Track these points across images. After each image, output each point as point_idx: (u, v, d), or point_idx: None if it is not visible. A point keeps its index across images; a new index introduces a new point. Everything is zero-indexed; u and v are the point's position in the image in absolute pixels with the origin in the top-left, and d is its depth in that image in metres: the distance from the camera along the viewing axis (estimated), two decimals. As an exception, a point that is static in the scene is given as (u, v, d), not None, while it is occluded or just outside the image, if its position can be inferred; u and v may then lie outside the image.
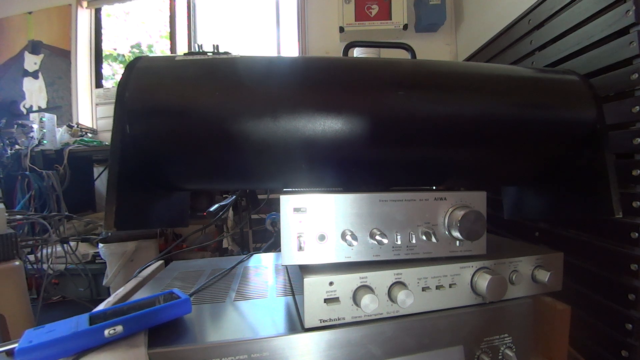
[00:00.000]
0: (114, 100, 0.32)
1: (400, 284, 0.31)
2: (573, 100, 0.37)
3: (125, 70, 0.33)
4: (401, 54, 0.41)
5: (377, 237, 0.31)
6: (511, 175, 0.41)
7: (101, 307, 0.37)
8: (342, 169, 0.35)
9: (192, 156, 0.34)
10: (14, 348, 0.26)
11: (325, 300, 0.30)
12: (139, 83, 0.32)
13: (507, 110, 0.35)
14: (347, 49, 0.41)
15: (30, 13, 2.04)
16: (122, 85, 0.32)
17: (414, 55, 0.43)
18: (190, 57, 0.34)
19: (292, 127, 0.31)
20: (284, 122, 0.31)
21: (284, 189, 0.38)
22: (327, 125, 0.32)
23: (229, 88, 0.32)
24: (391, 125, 0.33)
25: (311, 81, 0.33)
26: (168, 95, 0.32)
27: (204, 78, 0.33)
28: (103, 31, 2.12)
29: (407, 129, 0.33)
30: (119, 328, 0.28)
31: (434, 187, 0.41)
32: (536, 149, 0.37)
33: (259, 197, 0.94)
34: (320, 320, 0.30)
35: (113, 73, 2.14)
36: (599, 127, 0.36)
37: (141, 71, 0.33)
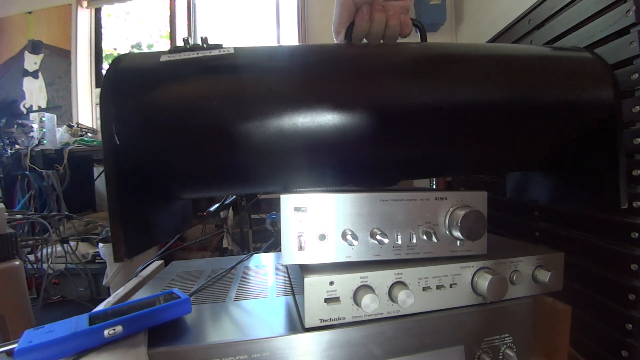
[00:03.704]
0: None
1: (400, 283, 0.31)
2: (587, 80, 0.35)
3: (106, 77, 0.30)
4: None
5: (378, 237, 0.31)
6: (520, 161, 0.40)
7: (101, 307, 0.37)
8: (353, 162, 0.34)
9: (190, 165, 0.32)
10: (14, 348, 0.26)
11: (326, 300, 0.30)
12: (122, 88, 0.29)
13: (520, 93, 0.33)
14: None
15: (30, 13, 2.04)
16: (105, 93, 0.29)
17: (423, 35, 0.40)
18: (176, 57, 0.32)
19: (296, 123, 0.30)
20: (287, 120, 0.30)
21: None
22: (333, 120, 0.30)
23: (221, 91, 0.30)
24: (403, 115, 0.31)
25: (314, 74, 0.32)
26: (153, 101, 0.29)
27: (192, 81, 0.31)
28: (103, 31, 2.12)
29: (418, 119, 0.32)
30: (119, 328, 0.28)
31: (435, 188, 0.41)
32: (545, 135, 0.35)
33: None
34: (321, 320, 0.30)
35: (113, 73, 2.13)
36: (614, 110, 0.34)
37: (123, 75, 0.30)
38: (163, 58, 0.31)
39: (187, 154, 0.31)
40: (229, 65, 0.32)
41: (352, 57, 0.34)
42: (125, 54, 0.32)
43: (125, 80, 0.30)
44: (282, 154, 0.32)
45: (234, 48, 0.33)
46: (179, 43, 0.34)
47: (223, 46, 0.33)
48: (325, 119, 0.31)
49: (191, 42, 0.34)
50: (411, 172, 0.37)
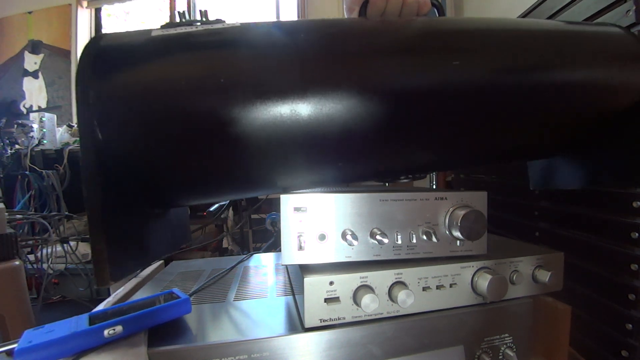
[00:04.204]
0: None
1: (400, 283, 0.31)
2: (618, 58, 0.33)
3: (84, 54, 0.24)
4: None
5: (378, 237, 0.31)
6: (549, 145, 0.38)
7: (101, 307, 0.37)
8: (378, 153, 0.32)
9: (191, 159, 0.28)
10: (14, 348, 0.26)
11: (326, 300, 0.30)
12: (105, 68, 0.25)
13: (546, 73, 0.31)
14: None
15: (30, 13, 2.04)
16: (83, 74, 0.24)
17: (442, 14, 0.37)
18: (171, 32, 0.27)
19: (319, 104, 0.27)
20: (307, 104, 0.27)
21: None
22: (363, 101, 0.28)
23: (230, 67, 0.26)
24: (431, 97, 0.29)
25: (345, 47, 0.29)
26: (145, 83, 0.25)
27: (193, 57, 0.26)
28: (103, 31, 2.12)
29: (448, 100, 0.30)
30: (119, 328, 0.28)
31: (435, 188, 0.41)
32: (576, 116, 0.33)
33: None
34: (321, 320, 0.30)
35: (113, 73, 2.13)
36: None
37: (106, 53, 0.25)
38: (155, 33, 0.27)
39: (187, 144, 0.27)
40: (238, 40, 0.28)
41: (384, 31, 0.31)
42: (107, 32, 0.28)
43: (108, 59, 0.25)
44: (304, 142, 0.28)
45: (240, 23, 0.29)
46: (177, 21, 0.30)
47: (225, 21, 0.29)
48: (354, 98, 0.28)
49: (177, 12, 0.31)
50: (437, 164, 0.36)
